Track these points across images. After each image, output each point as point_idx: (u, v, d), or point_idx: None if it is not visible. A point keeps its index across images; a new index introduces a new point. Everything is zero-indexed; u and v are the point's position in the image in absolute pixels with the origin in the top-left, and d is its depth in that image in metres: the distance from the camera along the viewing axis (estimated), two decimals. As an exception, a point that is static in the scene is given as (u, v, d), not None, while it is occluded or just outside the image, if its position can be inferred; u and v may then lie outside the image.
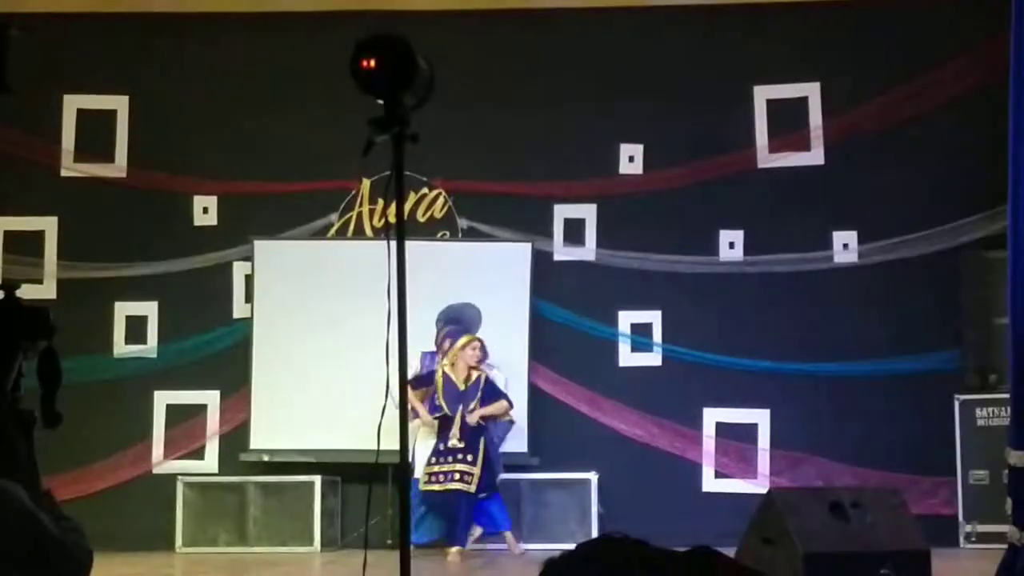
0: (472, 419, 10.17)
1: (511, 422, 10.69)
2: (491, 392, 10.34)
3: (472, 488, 10.11)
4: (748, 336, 11.29)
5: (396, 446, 10.51)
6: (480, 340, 10.40)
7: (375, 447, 10.67)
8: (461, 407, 10.20)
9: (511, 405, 10.50)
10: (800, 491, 8.33)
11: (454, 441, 10.12)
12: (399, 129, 3.36)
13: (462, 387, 10.27)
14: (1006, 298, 10.43)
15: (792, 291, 11.33)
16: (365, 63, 3.31)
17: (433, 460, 10.18)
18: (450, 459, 10.12)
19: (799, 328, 11.28)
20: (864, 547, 6.95)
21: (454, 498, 10.08)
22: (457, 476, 10.06)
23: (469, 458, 10.13)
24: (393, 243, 3.31)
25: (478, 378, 10.32)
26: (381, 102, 3.38)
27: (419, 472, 10.16)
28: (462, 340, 10.36)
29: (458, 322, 10.49)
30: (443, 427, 10.23)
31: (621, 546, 2.12)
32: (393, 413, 3.58)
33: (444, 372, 10.34)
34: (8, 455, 3.05)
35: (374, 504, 11.02)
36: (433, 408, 10.31)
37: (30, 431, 3.47)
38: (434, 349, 10.57)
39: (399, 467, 3.37)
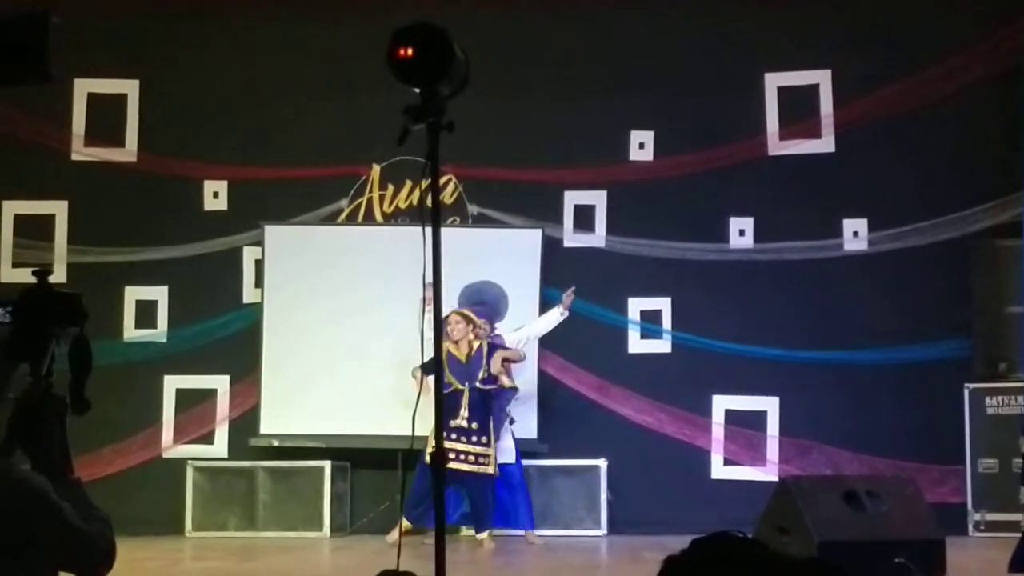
0: (495, 364, 10.05)
1: (514, 389, 10.37)
2: (495, 349, 10.25)
3: (491, 470, 10.06)
4: (757, 324, 11.29)
5: (406, 431, 10.47)
6: (459, 313, 10.23)
7: (383, 432, 10.68)
8: (468, 383, 10.09)
9: (523, 355, 10.40)
10: (815, 479, 8.34)
11: (462, 421, 10.00)
12: (435, 118, 3.36)
13: (464, 360, 10.18)
14: (1019, 286, 10.52)
15: (802, 279, 11.33)
16: (403, 52, 3.31)
17: (445, 435, 10.06)
18: (463, 439, 10.03)
19: (809, 316, 11.28)
20: (879, 536, 6.97)
21: (475, 482, 10.06)
22: (473, 459, 10.02)
23: (484, 440, 10.07)
24: (429, 230, 3.30)
25: (479, 347, 10.24)
26: (417, 91, 3.38)
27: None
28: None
29: (482, 303, 10.38)
30: (450, 404, 9.98)
31: (741, 549, 2.10)
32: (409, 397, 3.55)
33: (448, 350, 10.31)
34: (43, 444, 3.05)
35: (384, 489, 11.07)
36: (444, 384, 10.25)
37: (63, 417, 3.48)
38: None
39: (435, 454, 3.36)
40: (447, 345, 10.15)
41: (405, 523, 10.01)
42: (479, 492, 10.12)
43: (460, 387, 10.08)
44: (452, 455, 9.99)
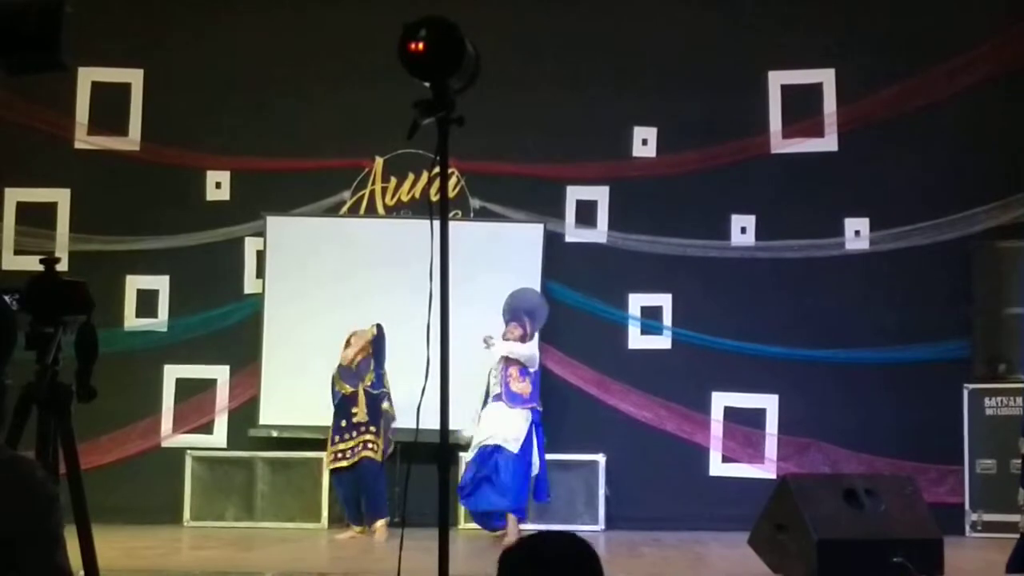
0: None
1: (392, 417, 10.48)
2: (378, 350, 10.42)
3: (379, 456, 10.26)
4: (758, 321, 11.29)
5: (405, 423, 10.46)
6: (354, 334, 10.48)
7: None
8: (360, 384, 10.31)
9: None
10: (814, 478, 8.35)
11: (359, 417, 10.25)
12: (445, 113, 3.36)
13: (353, 368, 10.39)
14: (1019, 288, 10.53)
15: (803, 277, 11.33)
16: (413, 46, 3.31)
17: (337, 439, 10.31)
18: (354, 433, 10.26)
19: (809, 314, 11.28)
20: (877, 535, 6.98)
21: (365, 468, 10.22)
22: (361, 446, 10.23)
23: (372, 429, 10.26)
24: (437, 224, 3.32)
25: (366, 358, 10.41)
26: (427, 85, 3.38)
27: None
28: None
29: (531, 314, 10.22)
30: (346, 404, 10.34)
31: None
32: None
33: (340, 365, 10.49)
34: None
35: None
36: (335, 395, 10.49)
37: (67, 406, 3.49)
38: None
39: (440, 447, 3.37)
40: (341, 359, 10.47)
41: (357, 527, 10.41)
42: (371, 478, 10.25)
43: (351, 390, 10.32)
44: (348, 454, 10.27)
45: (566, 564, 2.44)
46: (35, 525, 2.41)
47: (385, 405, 10.40)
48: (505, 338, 10.11)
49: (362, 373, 10.37)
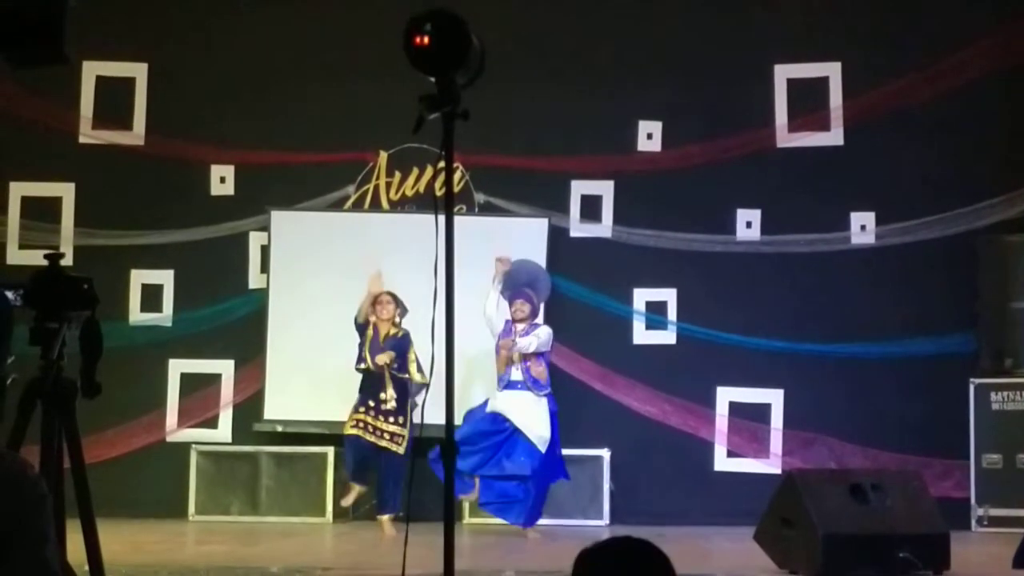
0: (382, 359, 10.11)
1: (425, 385, 9.94)
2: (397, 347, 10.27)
3: (402, 450, 10.12)
4: (763, 316, 11.27)
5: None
6: (390, 294, 10.28)
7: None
8: (384, 364, 10.18)
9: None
10: (820, 472, 8.34)
11: (391, 402, 10.13)
12: (450, 107, 3.35)
13: (381, 342, 10.26)
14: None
15: (808, 271, 11.31)
16: (419, 40, 3.30)
17: (363, 410, 10.16)
18: (381, 418, 10.15)
19: (815, 309, 11.26)
20: (883, 529, 6.98)
21: (387, 460, 10.12)
22: (388, 437, 10.11)
23: (400, 420, 10.15)
24: (442, 218, 3.30)
25: (395, 335, 10.24)
26: (433, 79, 3.37)
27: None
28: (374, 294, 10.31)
29: (531, 286, 10.10)
30: (371, 382, 10.21)
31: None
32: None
33: (374, 325, 10.32)
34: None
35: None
36: (359, 359, 10.32)
37: (72, 401, 3.48)
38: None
39: (445, 443, 3.36)
40: (374, 321, 10.26)
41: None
42: (389, 472, 10.16)
43: (372, 367, 10.17)
44: (371, 429, 10.12)
45: (650, 566, 2.44)
46: (24, 523, 2.40)
47: (416, 376, 10.22)
48: (516, 318, 9.99)
49: (385, 348, 10.19)
